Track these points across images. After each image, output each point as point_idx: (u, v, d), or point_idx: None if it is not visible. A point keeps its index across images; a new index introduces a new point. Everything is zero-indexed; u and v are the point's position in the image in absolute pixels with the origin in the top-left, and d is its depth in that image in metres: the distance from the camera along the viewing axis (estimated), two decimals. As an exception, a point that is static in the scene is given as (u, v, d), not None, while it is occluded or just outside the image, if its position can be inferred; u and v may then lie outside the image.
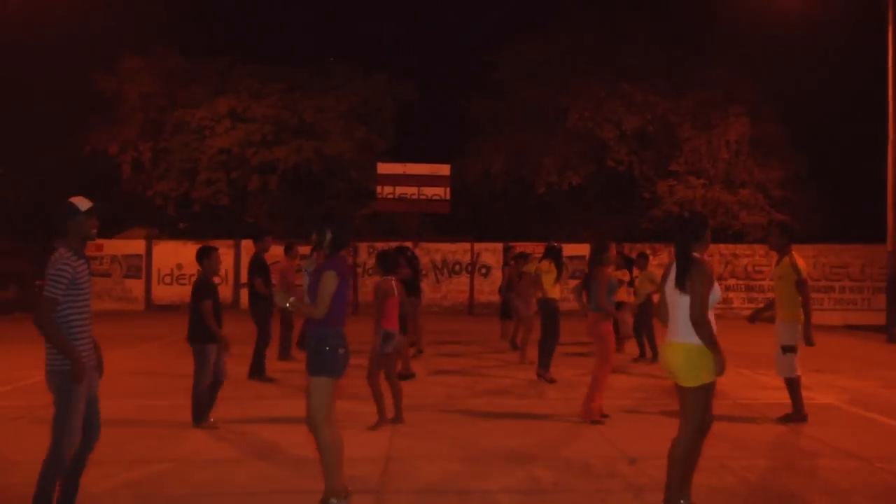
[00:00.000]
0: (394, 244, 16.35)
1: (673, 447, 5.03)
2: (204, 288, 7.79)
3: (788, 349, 7.97)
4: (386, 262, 8.12)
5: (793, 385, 8.04)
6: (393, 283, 7.97)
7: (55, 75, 25.14)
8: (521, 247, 17.76)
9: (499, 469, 6.24)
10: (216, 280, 8.26)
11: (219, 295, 8.08)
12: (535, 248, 17.80)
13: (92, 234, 4.94)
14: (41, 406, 8.42)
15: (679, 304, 5.03)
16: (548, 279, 11.00)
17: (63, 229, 4.89)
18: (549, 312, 10.94)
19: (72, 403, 4.77)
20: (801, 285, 7.90)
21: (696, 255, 5.08)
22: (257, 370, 10.55)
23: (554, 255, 11.21)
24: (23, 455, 6.54)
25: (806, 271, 8.04)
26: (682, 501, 5.00)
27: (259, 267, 10.96)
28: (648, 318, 12.55)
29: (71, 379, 4.74)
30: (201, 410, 7.66)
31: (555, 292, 11.03)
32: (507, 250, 16.14)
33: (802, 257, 8.29)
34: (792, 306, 7.98)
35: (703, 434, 5.03)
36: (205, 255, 7.97)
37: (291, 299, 5.26)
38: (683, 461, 5.00)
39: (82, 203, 4.90)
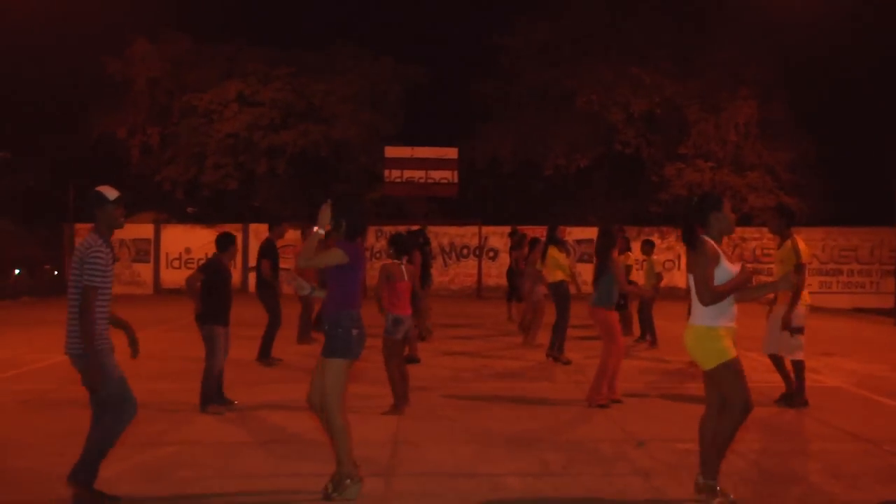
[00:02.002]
0: (402, 228, 16.30)
1: (716, 429, 4.91)
2: (208, 267, 7.94)
3: (796, 330, 7.94)
4: (398, 246, 8.02)
5: (797, 367, 8.03)
6: (403, 267, 7.81)
7: (63, 60, 25.17)
8: (529, 230, 17.71)
9: (507, 452, 6.25)
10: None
11: (231, 280, 8.16)
12: (544, 233, 17.78)
13: (120, 222, 5.06)
14: (50, 390, 8.49)
15: (691, 287, 5.01)
16: (554, 263, 11.18)
17: (92, 217, 5.03)
18: (561, 296, 11.07)
19: (106, 379, 4.87)
20: (798, 269, 7.84)
21: (704, 236, 5.00)
22: (265, 353, 10.59)
23: (552, 239, 11.38)
24: (31, 438, 6.60)
25: (807, 255, 8.00)
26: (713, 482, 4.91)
27: (268, 251, 10.93)
28: (649, 304, 12.57)
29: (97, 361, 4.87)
30: (209, 396, 7.66)
31: (566, 275, 11.18)
32: (512, 234, 16.14)
33: (807, 241, 8.24)
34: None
35: (747, 410, 4.89)
36: (230, 243, 8.09)
37: (313, 287, 5.51)
38: (727, 440, 4.90)
39: (110, 192, 5.02)
